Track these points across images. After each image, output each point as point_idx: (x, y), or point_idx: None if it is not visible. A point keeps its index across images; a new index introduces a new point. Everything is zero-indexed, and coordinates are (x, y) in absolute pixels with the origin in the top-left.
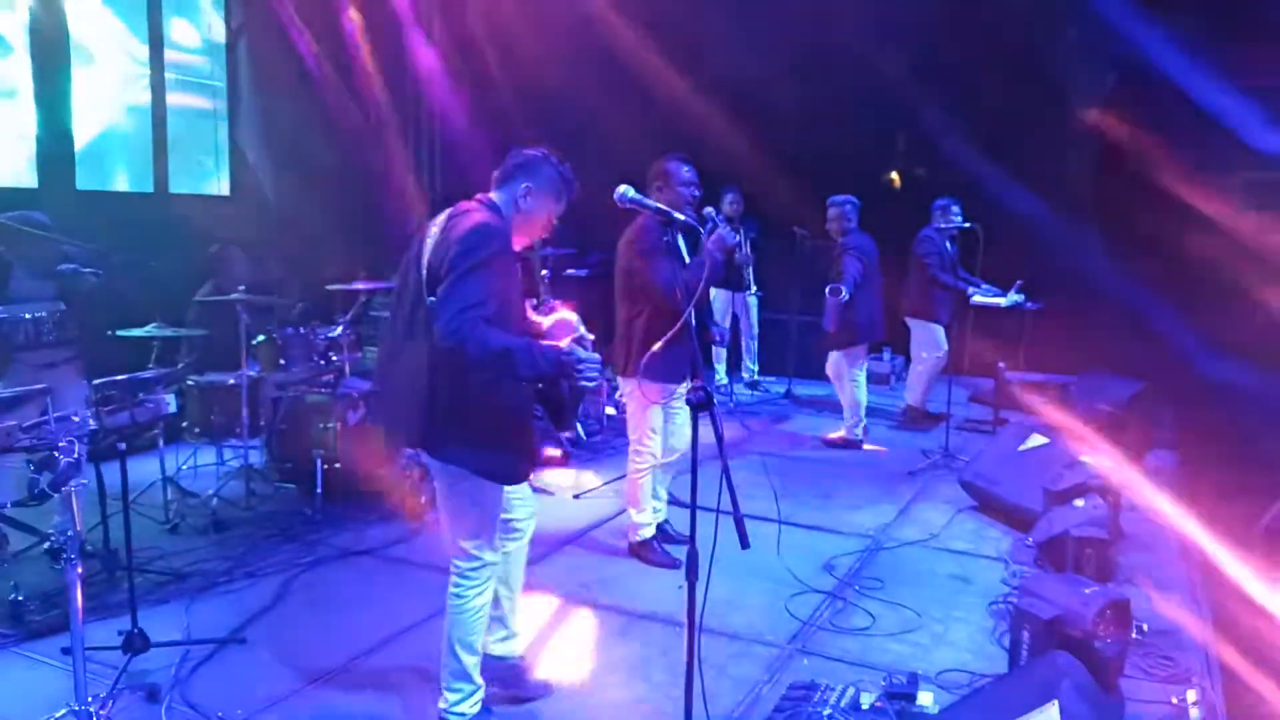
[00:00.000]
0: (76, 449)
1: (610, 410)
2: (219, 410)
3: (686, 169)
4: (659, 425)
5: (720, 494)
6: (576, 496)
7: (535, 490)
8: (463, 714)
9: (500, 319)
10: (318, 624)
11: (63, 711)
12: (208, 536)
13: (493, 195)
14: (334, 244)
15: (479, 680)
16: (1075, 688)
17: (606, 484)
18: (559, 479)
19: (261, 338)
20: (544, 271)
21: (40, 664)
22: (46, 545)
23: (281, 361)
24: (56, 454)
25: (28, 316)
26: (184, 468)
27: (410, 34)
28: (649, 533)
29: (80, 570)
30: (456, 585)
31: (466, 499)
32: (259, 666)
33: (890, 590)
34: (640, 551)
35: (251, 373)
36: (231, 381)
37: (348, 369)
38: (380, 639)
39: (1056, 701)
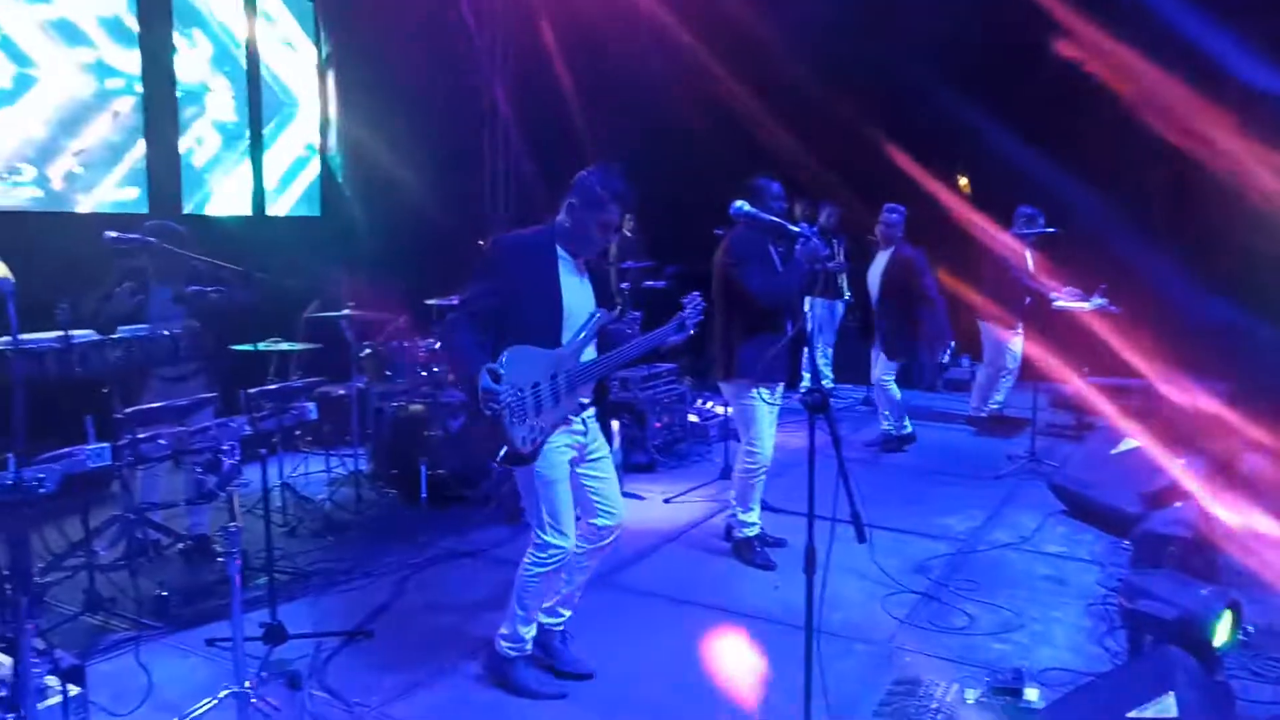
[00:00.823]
0: (236, 453)
1: (693, 417)
2: (329, 420)
3: (775, 186)
4: (770, 427)
5: (836, 494)
6: (667, 500)
7: (625, 495)
8: (505, 649)
9: (511, 319)
10: (434, 619)
11: (224, 693)
12: (323, 539)
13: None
14: (423, 260)
15: (526, 636)
16: (1190, 680)
17: (694, 489)
18: (647, 484)
19: (367, 351)
20: (623, 284)
21: (189, 654)
22: (182, 545)
23: (386, 373)
24: (220, 457)
25: (166, 334)
26: (297, 474)
27: (486, 60)
28: (753, 532)
29: (237, 564)
30: (528, 554)
31: (526, 487)
32: (386, 657)
33: (986, 591)
34: (741, 550)
35: (359, 384)
36: (340, 392)
37: (448, 379)
38: (490, 634)
39: (1172, 693)
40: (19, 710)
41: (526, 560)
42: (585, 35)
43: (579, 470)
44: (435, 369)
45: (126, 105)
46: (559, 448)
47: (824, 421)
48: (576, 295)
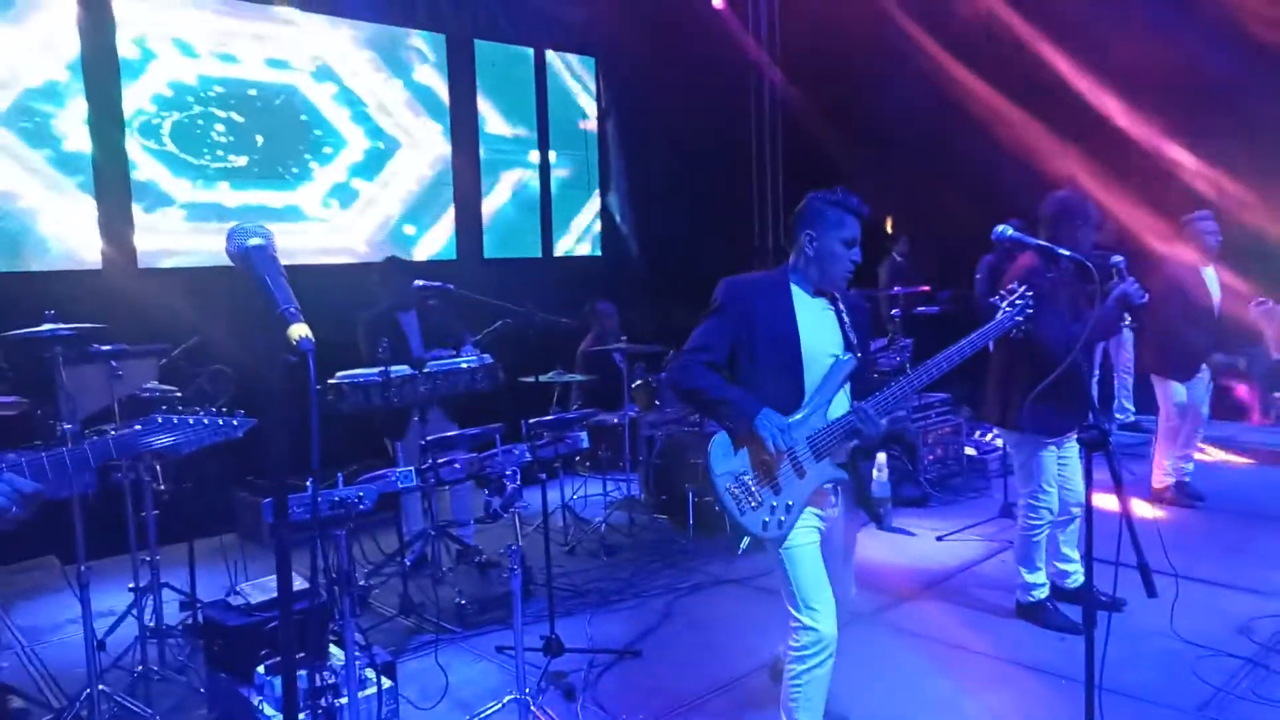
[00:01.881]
0: (518, 477)
1: (970, 450)
2: (604, 446)
3: (1089, 207)
4: (1054, 477)
5: (1119, 541)
6: (940, 538)
7: (894, 530)
8: None
9: (742, 367)
10: (700, 643)
11: (508, 698)
12: (599, 559)
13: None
14: (692, 295)
15: None
16: None
17: (969, 527)
18: (918, 520)
19: (638, 382)
20: (894, 310)
21: (481, 658)
22: (479, 559)
23: (656, 403)
24: (505, 481)
25: (465, 367)
26: (576, 496)
27: (753, 103)
28: (1043, 594)
29: (519, 579)
30: (787, 650)
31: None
32: (653, 678)
33: None
34: (1033, 614)
35: (631, 413)
36: (615, 421)
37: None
38: (756, 664)
39: None
40: (344, 696)
41: (787, 658)
42: (849, 69)
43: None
44: None
45: (437, 168)
46: (806, 528)
47: (1103, 460)
48: (818, 335)
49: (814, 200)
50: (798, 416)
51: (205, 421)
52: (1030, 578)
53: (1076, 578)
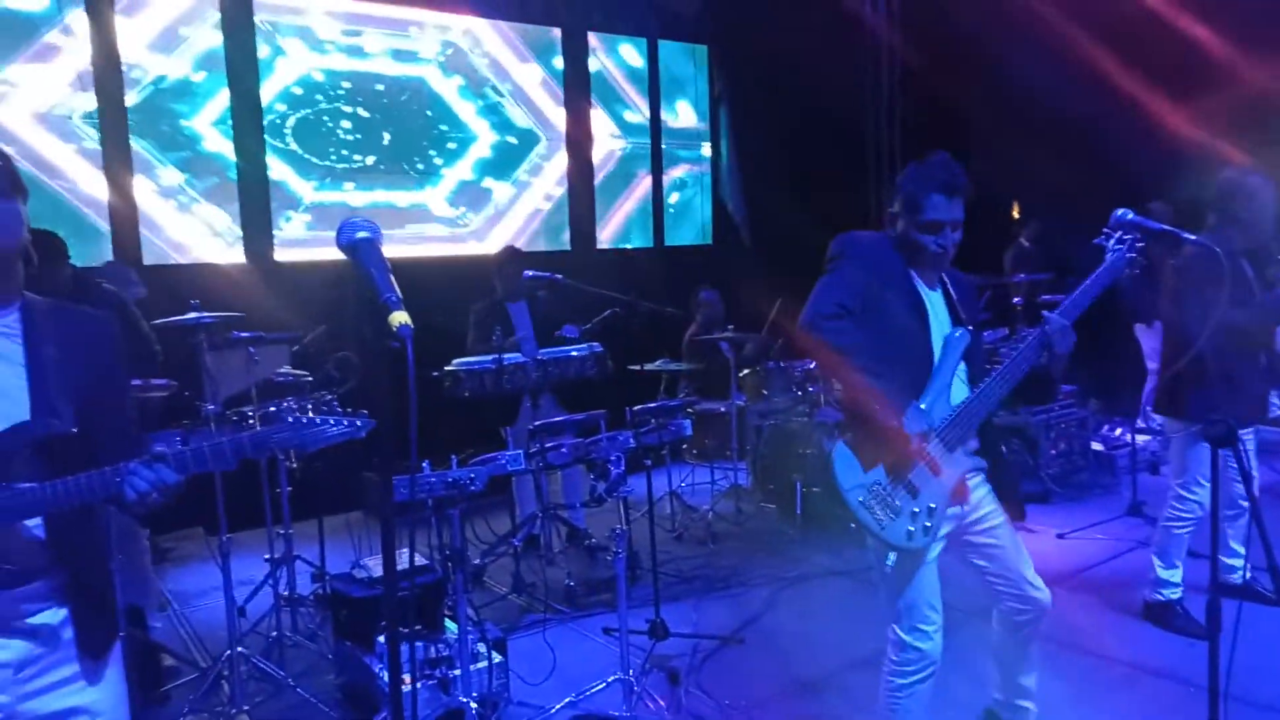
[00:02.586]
0: (622, 463)
1: (1096, 445)
2: (711, 435)
3: (1265, 184)
4: (1209, 472)
5: (1249, 540)
6: (1061, 536)
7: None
8: None
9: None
10: (803, 634)
11: (613, 678)
12: (705, 546)
13: None
14: (803, 285)
15: None
16: None
17: (1094, 525)
18: (1039, 516)
19: (746, 371)
20: (1015, 299)
21: (587, 638)
22: (587, 542)
23: (764, 392)
24: (609, 466)
25: (575, 355)
26: (683, 484)
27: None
28: (1175, 594)
29: (624, 562)
30: (886, 662)
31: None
32: (755, 666)
33: None
34: (1161, 615)
35: (739, 402)
36: (722, 410)
37: (823, 399)
38: (857, 657)
39: None
40: (458, 668)
41: (885, 668)
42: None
43: (964, 549)
44: (810, 389)
45: (553, 160)
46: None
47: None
48: (935, 313)
49: (902, 176)
50: (923, 405)
51: (331, 422)
52: (1165, 574)
53: (1240, 573)
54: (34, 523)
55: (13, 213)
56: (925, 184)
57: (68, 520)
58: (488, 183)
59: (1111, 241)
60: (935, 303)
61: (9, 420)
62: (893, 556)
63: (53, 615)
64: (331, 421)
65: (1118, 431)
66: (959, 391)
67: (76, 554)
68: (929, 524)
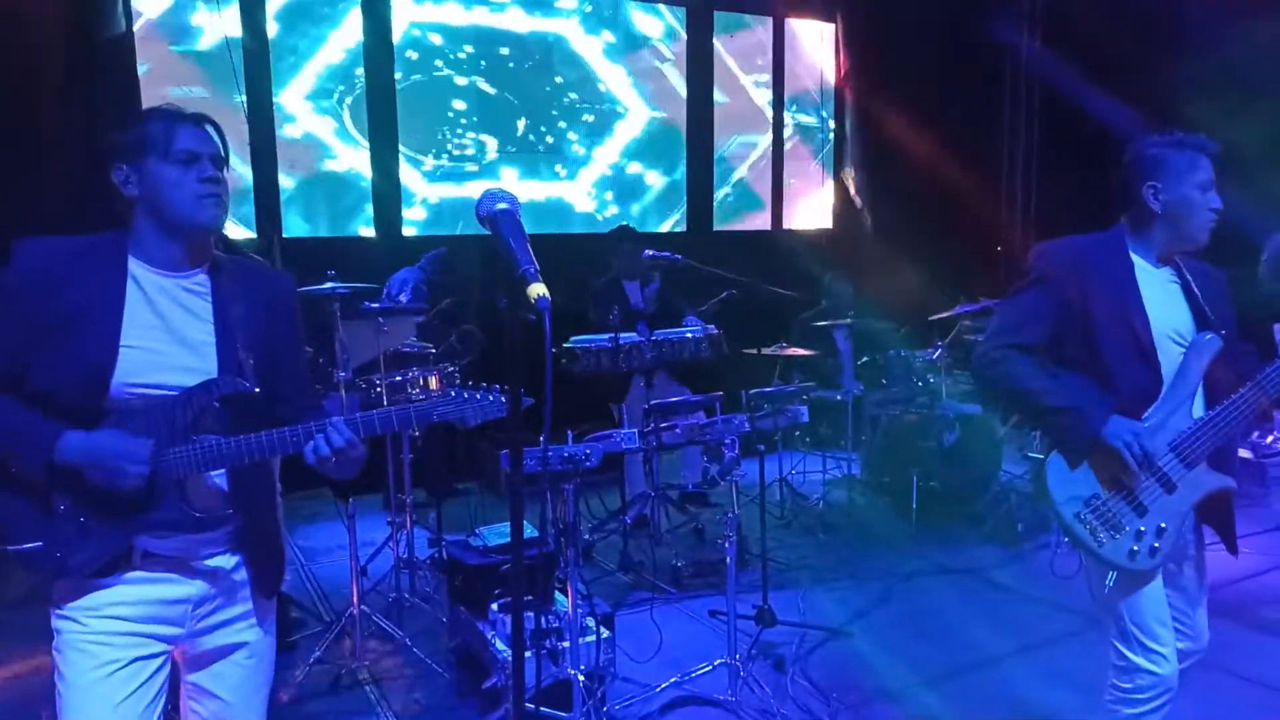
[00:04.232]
0: (736, 447)
1: (1244, 453)
2: (826, 423)
3: None
4: None
5: None
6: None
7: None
8: None
9: (1072, 357)
10: (915, 632)
11: (718, 661)
12: (815, 536)
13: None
14: (931, 270)
15: None
16: None
17: (1241, 538)
18: None
19: (865, 359)
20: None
21: (693, 619)
22: (694, 525)
23: (883, 381)
24: (723, 449)
25: (689, 336)
26: (794, 471)
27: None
28: None
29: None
30: (1109, 689)
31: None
32: (864, 660)
33: None
34: None
35: (855, 391)
36: (838, 398)
37: (944, 391)
38: (971, 660)
39: None
40: (567, 640)
41: (1108, 697)
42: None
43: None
44: (932, 379)
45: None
46: None
47: None
48: (1165, 314)
49: (1149, 146)
50: (1154, 419)
51: (490, 399)
52: None
53: None
54: (218, 473)
55: (226, 187)
56: (1189, 146)
57: (248, 472)
58: (599, 153)
59: None
60: (1170, 301)
61: (198, 375)
62: (1113, 576)
63: (227, 560)
64: (490, 398)
65: (1269, 439)
66: (1199, 406)
67: (253, 503)
68: (1156, 545)
